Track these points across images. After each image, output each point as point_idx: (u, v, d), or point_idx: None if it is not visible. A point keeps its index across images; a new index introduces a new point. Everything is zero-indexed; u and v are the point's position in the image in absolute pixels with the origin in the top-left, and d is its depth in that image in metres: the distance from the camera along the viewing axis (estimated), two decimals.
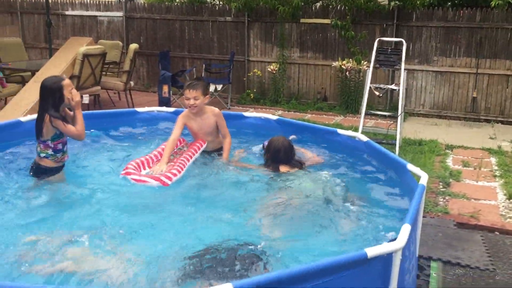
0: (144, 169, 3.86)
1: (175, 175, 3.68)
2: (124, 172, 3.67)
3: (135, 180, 3.58)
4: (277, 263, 2.58)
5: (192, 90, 4.12)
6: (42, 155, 3.76)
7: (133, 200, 3.49)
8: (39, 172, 3.75)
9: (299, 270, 2.01)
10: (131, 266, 2.56)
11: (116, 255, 2.67)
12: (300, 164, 4.04)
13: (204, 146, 4.26)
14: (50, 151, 3.75)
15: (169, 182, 3.58)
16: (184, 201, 3.52)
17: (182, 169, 3.79)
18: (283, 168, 3.97)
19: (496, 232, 4.42)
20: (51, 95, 3.64)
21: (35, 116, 4.47)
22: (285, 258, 2.65)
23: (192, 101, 4.13)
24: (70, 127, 3.67)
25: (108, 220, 3.12)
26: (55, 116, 3.63)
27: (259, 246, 2.68)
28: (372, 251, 2.17)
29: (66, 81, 3.71)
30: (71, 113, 3.79)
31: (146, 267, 2.56)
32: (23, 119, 4.42)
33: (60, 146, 3.78)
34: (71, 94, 3.69)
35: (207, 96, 4.22)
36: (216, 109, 4.37)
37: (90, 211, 3.30)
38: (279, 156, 3.99)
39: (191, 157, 4.01)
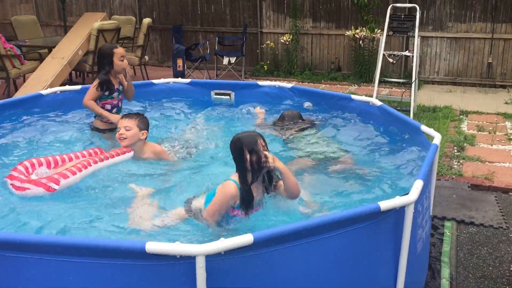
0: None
1: (65, 176, 2.97)
2: (9, 174, 3.03)
3: (14, 187, 2.91)
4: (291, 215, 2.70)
5: (125, 119, 3.59)
6: (94, 114, 4.14)
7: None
8: (93, 130, 4.16)
9: (315, 222, 2.10)
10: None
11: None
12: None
13: (128, 155, 3.56)
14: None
15: (56, 187, 2.91)
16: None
17: (77, 172, 3.07)
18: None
19: (510, 193, 4.48)
20: (102, 59, 4.07)
21: (55, 89, 4.65)
22: (301, 209, 2.76)
23: (122, 131, 3.55)
24: (89, 92, 4.04)
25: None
26: (100, 78, 4.03)
27: None
28: (385, 204, 2.25)
29: (118, 50, 4.09)
30: (125, 83, 4.21)
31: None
32: (43, 92, 4.54)
33: (108, 107, 4.13)
34: (123, 62, 4.09)
35: (144, 132, 3.62)
36: (157, 147, 3.77)
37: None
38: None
39: (94, 163, 3.27)
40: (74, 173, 3.02)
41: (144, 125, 3.63)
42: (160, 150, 3.75)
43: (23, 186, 2.87)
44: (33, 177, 3.04)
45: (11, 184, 2.90)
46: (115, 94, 4.15)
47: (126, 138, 3.54)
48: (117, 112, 4.20)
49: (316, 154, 3.71)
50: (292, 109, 4.63)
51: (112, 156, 3.42)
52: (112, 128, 4.14)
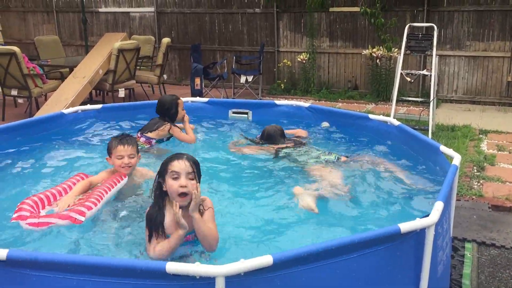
0: (44, 208, 2.96)
1: (89, 208, 2.86)
2: (16, 216, 2.79)
3: (32, 224, 2.72)
4: (309, 236, 2.69)
5: (127, 146, 3.26)
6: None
7: None
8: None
9: (334, 244, 2.10)
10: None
11: None
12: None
13: (124, 181, 3.31)
14: (146, 147, 4.29)
15: (82, 219, 2.78)
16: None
17: (97, 203, 2.95)
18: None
19: None
20: (169, 109, 4.43)
21: (76, 108, 4.75)
22: (320, 231, 2.75)
23: (126, 160, 3.25)
24: (184, 135, 4.45)
25: None
26: (174, 125, 4.41)
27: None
28: (405, 226, 2.24)
29: (181, 100, 4.55)
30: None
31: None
32: (65, 111, 4.64)
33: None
34: (184, 111, 4.50)
35: (139, 154, 3.45)
36: (145, 171, 3.54)
37: None
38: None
39: (108, 190, 3.12)
40: (95, 204, 2.93)
41: (137, 147, 3.40)
42: (148, 173, 3.49)
43: (45, 221, 2.72)
44: (44, 212, 2.89)
45: (28, 223, 2.72)
46: None
47: (131, 167, 3.30)
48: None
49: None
50: (275, 124, 4.64)
51: (115, 184, 3.21)
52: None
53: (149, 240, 2.48)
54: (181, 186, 2.42)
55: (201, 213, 2.50)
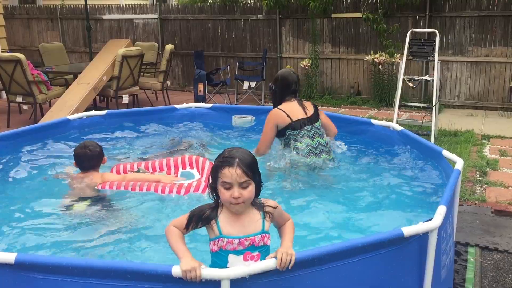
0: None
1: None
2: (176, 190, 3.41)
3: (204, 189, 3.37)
4: (317, 239, 2.71)
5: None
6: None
7: None
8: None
9: (338, 248, 2.12)
10: None
11: None
12: None
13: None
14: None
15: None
16: None
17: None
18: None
19: None
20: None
21: (81, 114, 4.79)
22: (323, 235, 2.77)
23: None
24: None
25: None
26: None
27: None
28: (408, 230, 2.26)
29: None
30: None
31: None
32: (70, 117, 4.68)
33: None
34: None
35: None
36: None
37: None
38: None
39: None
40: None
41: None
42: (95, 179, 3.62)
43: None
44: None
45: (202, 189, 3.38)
46: None
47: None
48: None
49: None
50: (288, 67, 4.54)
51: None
52: None
53: (178, 219, 2.25)
54: (234, 198, 2.14)
55: (271, 218, 2.26)
